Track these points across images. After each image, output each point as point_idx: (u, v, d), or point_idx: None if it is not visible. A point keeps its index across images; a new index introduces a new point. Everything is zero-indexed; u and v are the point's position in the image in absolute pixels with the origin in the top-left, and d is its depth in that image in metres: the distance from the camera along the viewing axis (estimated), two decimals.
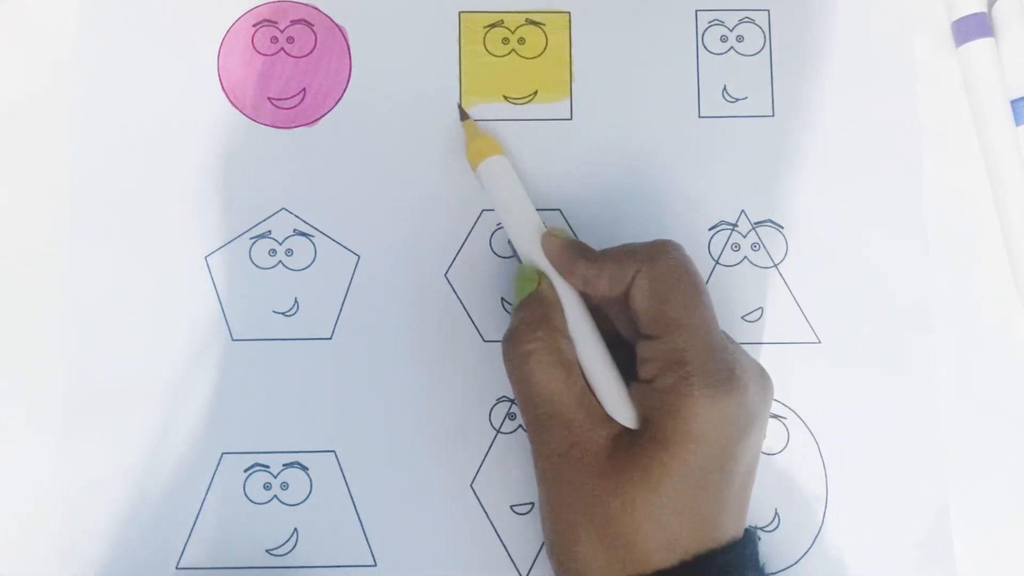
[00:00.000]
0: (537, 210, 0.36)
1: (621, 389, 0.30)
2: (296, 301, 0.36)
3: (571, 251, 0.31)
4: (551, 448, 0.30)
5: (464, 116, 0.36)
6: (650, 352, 0.29)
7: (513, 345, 0.31)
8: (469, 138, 0.35)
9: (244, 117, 0.37)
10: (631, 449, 0.29)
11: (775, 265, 0.36)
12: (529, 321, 0.31)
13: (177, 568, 0.34)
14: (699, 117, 0.37)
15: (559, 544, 0.30)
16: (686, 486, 0.28)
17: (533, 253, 0.32)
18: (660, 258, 0.30)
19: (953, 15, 0.37)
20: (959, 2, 0.37)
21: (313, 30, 0.37)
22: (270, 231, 0.36)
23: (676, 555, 0.28)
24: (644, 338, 0.30)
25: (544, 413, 0.30)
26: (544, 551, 0.35)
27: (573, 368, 0.30)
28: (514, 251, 0.35)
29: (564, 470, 0.30)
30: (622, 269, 0.30)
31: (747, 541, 0.30)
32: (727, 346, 0.30)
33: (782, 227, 0.37)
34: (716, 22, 0.37)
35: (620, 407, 0.30)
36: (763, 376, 0.31)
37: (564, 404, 0.30)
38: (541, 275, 0.32)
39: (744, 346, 0.36)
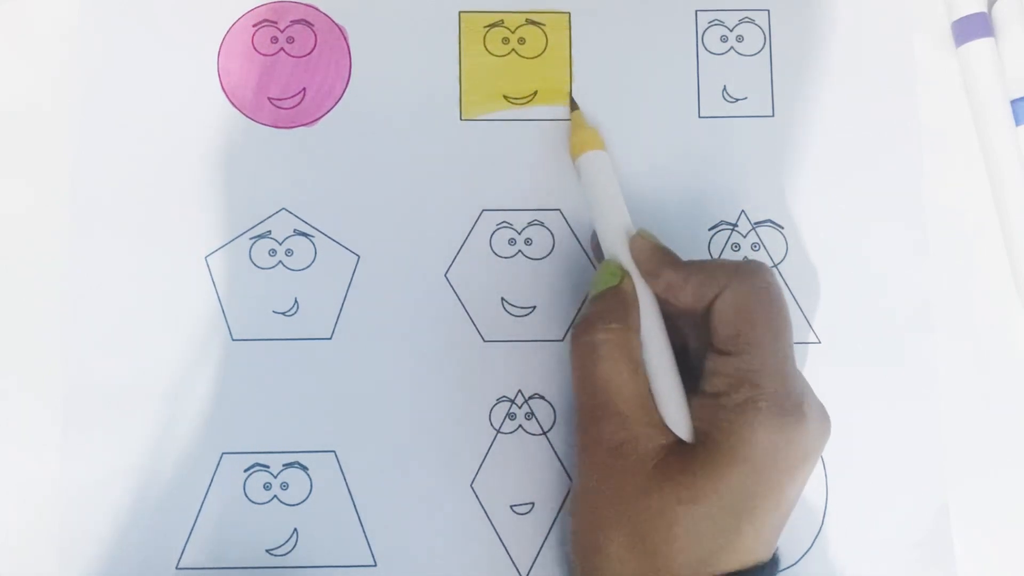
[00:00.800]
0: (537, 210, 0.36)
1: (682, 401, 0.30)
2: (296, 301, 0.36)
3: (659, 255, 0.31)
4: (601, 441, 0.30)
5: (574, 106, 0.36)
6: (722, 367, 0.29)
7: (584, 333, 0.31)
8: (574, 128, 0.35)
9: (244, 117, 0.37)
10: (683, 460, 0.29)
11: (775, 265, 0.36)
12: (605, 313, 0.31)
13: (177, 568, 0.34)
14: (699, 117, 0.37)
15: (588, 539, 0.30)
16: (731, 507, 0.28)
17: (619, 251, 0.32)
18: (751, 277, 0.30)
19: (953, 15, 0.37)
20: (959, 2, 0.37)
21: (313, 30, 0.37)
22: (270, 231, 0.36)
23: (703, 572, 0.28)
24: (718, 353, 0.30)
25: (601, 405, 0.30)
26: (543, 551, 0.35)
27: (639, 368, 0.30)
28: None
29: (609, 466, 0.30)
30: (711, 281, 0.30)
31: (772, 564, 0.30)
32: (799, 378, 0.30)
33: (782, 227, 0.37)
34: (716, 22, 0.37)
35: (679, 418, 0.30)
36: (824, 415, 0.30)
37: (624, 400, 0.30)
38: (625, 273, 0.32)
39: None
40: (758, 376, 0.29)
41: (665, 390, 0.30)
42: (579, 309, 0.36)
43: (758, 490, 0.28)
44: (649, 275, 0.31)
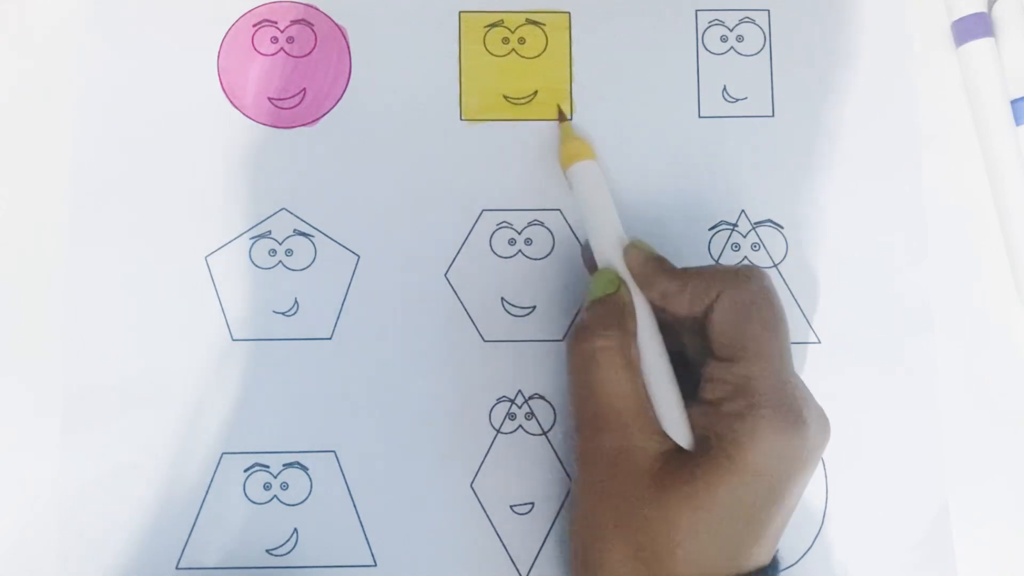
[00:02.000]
0: (537, 210, 0.36)
1: (681, 408, 0.30)
2: (296, 301, 0.36)
3: (654, 264, 0.32)
4: (600, 449, 0.30)
5: (563, 118, 0.36)
6: (720, 374, 0.29)
7: (582, 340, 0.31)
8: (563, 139, 0.35)
9: (244, 117, 0.37)
10: (682, 468, 0.29)
11: (775, 265, 0.36)
12: (602, 320, 0.31)
13: (177, 568, 0.34)
14: (699, 117, 0.37)
15: (589, 547, 0.30)
16: (732, 513, 0.28)
17: (613, 260, 0.32)
18: (746, 283, 0.30)
19: (953, 15, 0.37)
20: (959, 2, 0.37)
21: (313, 30, 0.37)
22: (270, 231, 0.36)
23: (711, 573, 0.28)
24: (716, 360, 0.30)
25: (600, 413, 0.30)
26: (543, 551, 0.35)
27: (637, 376, 0.30)
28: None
29: (608, 474, 0.29)
30: (706, 288, 0.30)
31: (772, 567, 0.30)
32: (797, 382, 0.30)
33: (782, 227, 0.37)
34: (716, 22, 0.37)
35: (678, 426, 0.30)
36: (824, 419, 0.30)
37: (623, 407, 0.30)
38: (621, 281, 0.32)
39: None
40: (756, 382, 0.29)
41: (663, 397, 0.30)
42: (575, 316, 0.36)
43: (759, 496, 0.28)
44: (644, 284, 0.31)
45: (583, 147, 0.35)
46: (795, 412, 0.28)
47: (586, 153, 0.34)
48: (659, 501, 0.28)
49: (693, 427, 0.30)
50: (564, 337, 0.36)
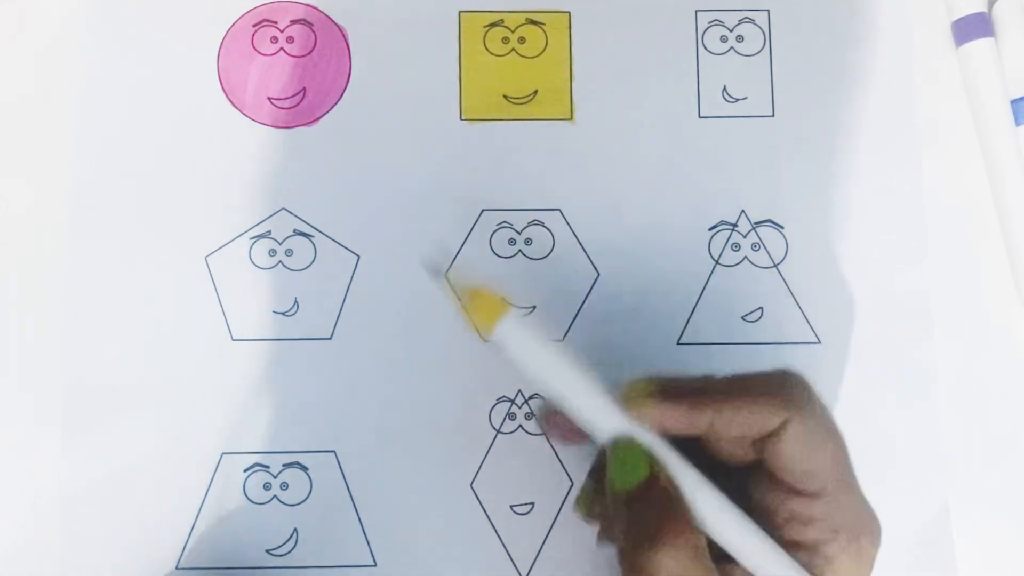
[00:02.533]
0: (537, 210, 0.36)
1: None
2: (296, 301, 0.36)
3: (684, 405, 0.26)
4: None
5: (437, 274, 0.30)
6: (807, 512, 0.26)
7: (641, 553, 0.25)
8: (469, 299, 0.28)
9: (244, 117, 0.37)
10: None
11: (775, 265, 0.36)
12: (653, 523, 0.25)
13: (177, 568, 0.34)
14: (699, 117, 0.37)
15: None
16: None
17: (608, 424, 0.26)
18: (809, 405, 0.26)
19: (953, 15, 0.37)
20: (959, 2, 0.37)
21: (313, 30, 0.37)
22: (270, 231, 0.36)
23: None
24: (793, 493, 0.26)
25: None
26: (543, 551, 0.35)
27: (712, 572, 0.25)
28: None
29: None
30: (766, 416, 0.26)
31: None
32: (862, 495, 0.27)
33: (782, 227, 0.37)
34: (716, 22, 0.37)
35: None
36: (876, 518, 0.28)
37: None
38: (651, 459, 0.26)
39: (744, 346, 0.36)
40: (851, 517, 0.26)
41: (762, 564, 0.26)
42: (573, 318, 0.36)
43: None
44: (686, 428, 0.26)
45: (496, 300, 0.27)
46: (875, 534, 0.27)
47: (502, 306, 0.27)
48: None
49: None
50: (564, 337, 0.36)
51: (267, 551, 0.35)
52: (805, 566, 0.26)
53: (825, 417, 0.27)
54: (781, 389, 0.26)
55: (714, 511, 0.26)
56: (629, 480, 0.25)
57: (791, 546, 0.27)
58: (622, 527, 0.26)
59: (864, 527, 0.27)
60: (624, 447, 0.26)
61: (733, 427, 0.26)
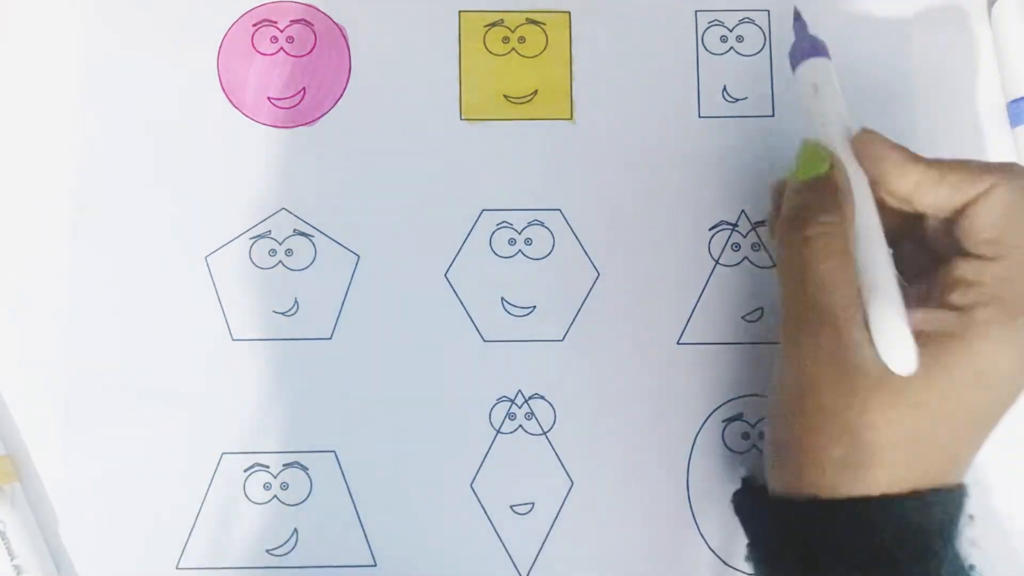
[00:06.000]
0: (537, 210, 0.36)
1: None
2: (296, 301, 0.36)
3: (903, 151, 0.28)
4: (820, 345, 0.27)
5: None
6: (976, 275, 0.27)
7: (795, 228, 0.28)
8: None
9: (244, 117, 0.37)
10: (915, 378, 0.27)
11: (775, 265, 0.36)
12: (817, 204, 0.28)
13: (177, 568, 0.34)
14: (699, 117, 0.37)
15: (801, 445, 0.28)
16: (960, 426, 0.27)
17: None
18: (1021, 179, 0.27)
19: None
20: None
21: (313, 30, 0.37)
22: (270, 231, 0.36)
23: (908, 484, 0.27)
24: (972, 258, 0.27)
25: (816, 308, 0.27)
26: (543, 551, 0.35)
27: (853, 268, 0.28)
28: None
29: (829, 372, 0.27)
30: (975, 178, 0.27)
31: (965, 489, 0.28)
32: None
33: None
34: (716, 22, 0.37)
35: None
36: None
37: (841, 301, 0.27)
38: (832, 155, 0.29)
39: (744, 346, 0.36)
40: (1015, 286, 0.27)
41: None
42: (574, 317, 0.36)
43: (989, 408, 0.27)
44: (895, 173, 0.28)
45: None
46: None
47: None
48: (888, 406, 0.27)
49: (926, 334, 0.27)
50: (564, 337, 0.36)
51: (267, 551, 0.35)
52: (953, 329, 0.27)
53: None
54: (994, 165, 0.28)
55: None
56: (809, 171, 0.29)
57: (947, 306, 0.27)
58: (789, 210, 0.29)
59: None
60: (814, 145, 0.29)
61: (942, 187, 0.28)
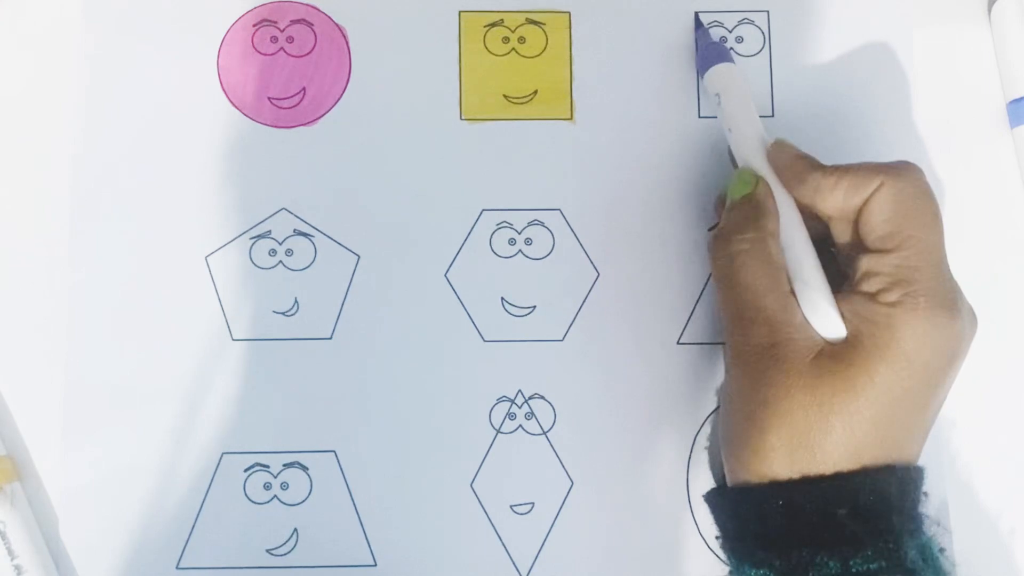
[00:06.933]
0: (537, 210, 0.36)
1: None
2: (296, 301, 0.36)
3: (803, 161, 0.32)
4: (750, 346, 0.30)
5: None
6: (878, 266, 0.30)
7: (723, 243, 0.31)
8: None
9: (244, 117, 0.37)
10: (836, 357, 0.29)
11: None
12: (741, 221, 0.31)
13: (177, 568, 0.34)
14: (699, 117, 0.37)
15: (742, 438, 0.30)
16: (887, 402, 0.29)
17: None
18: (906, 175, 0.30)
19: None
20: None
21: (313, 30, 0.37)
22: (270, 231, 0.36)
23: (859, 463, 0.29)
24: (872, 252, 0.30)
25: (746, 312, 0.30)
26: (543, 551, 0.35)
27: (781, 273, 0.31)
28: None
29: (763, 369, 0.30)
30: (865, 180, 0.30)
31: (921, 469, 0.30)
32: (950, 276, 0.30)
33: None
34: (715, 23, 0.37)
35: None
36: (973, 315, 0.31)
37: (769, 306, 0.30)
38: (759, 179, 0.32)
39: None
40: (916, 272, 0.29)
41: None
42: (575, 317, 0.36)
43: (912, 385, 0.29)
44: (794, 180, 0.32)
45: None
46: (950, 302, 0.29)
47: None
48: (813, 387, 0.29)
49: (845, 319, 0.30)
50: (564, 336, 0.36)
51: (267, 551, 0.35)
52: (866, 311, 0.29)
53: (922, 196, 0.30)
54: (879, 166, 0.31)
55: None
56: (737, 193, 0.32)
57: (857, 294, 0.30)
58: (718, 230, 0.32)
59: (942, 299, 0.29)
60: (743, 171, 0.33)
61: (838, 191, 0.30)
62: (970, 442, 0.36)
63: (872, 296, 0.29)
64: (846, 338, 0.30)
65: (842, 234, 0.32)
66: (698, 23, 0.36)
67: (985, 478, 0.36)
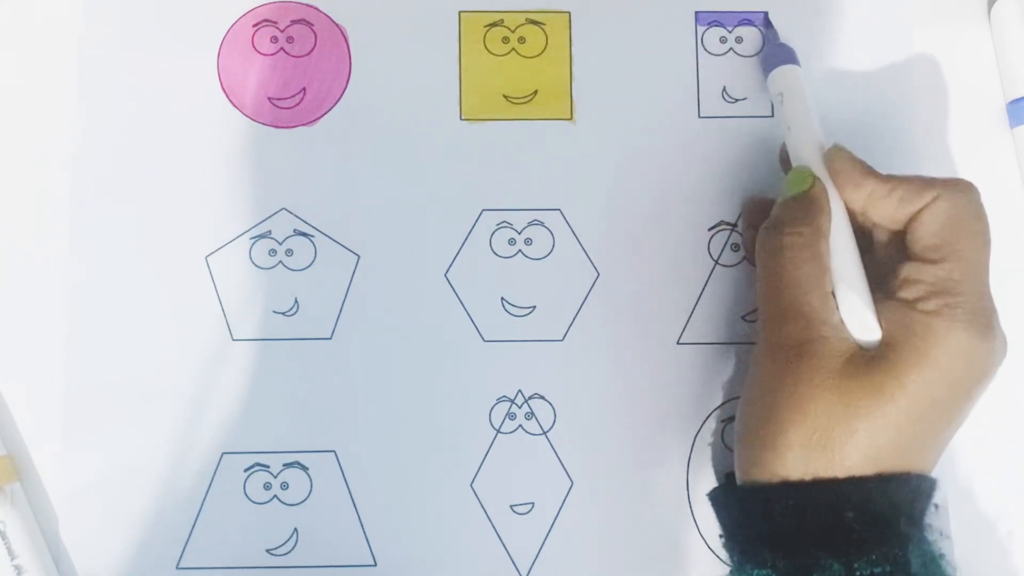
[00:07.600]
0: (537, 210, 0.36)
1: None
2: (296, 301, 0.36)
3: (861, 166, 0.32)
4: (785, 341, 0.30)
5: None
6: (921, 275, 0.30)
7: (774, 235, 0.31)
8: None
9: (244, 117, 0.37)
10: (870, 362, 0.29)
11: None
12: (794, 216, 0.31)
13: (177, 568, 0.34)
14: (699, 117, 0.37)
15: (759, 433, 0.30)
16: (913, 410, 0.29)
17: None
18: (964, 192, 0.31)
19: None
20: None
21: (313, 30, 0.37)
22: (270, 231, 0.36)
23: (876, 468, 0.29)
24: (919, 261, 0.30)
25: (786, 307, 0.30)
26: (543, 551, 0.35)
27: (826, 272, 0.31)
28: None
29: (792, 365, 0.30)
30: (920, 192, 0.30)
31: (934, 480, 0.30)
32: (991, 295, 0.30)
33: None
34: (715, 23, 0.37)
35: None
36: (1005, 339, 0.30)
37: (810, 300, 0.30)
38: (816, 178, 0.32)
39: (744, 346, 0.36)
40: (958, 286, 0.29)
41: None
42: (575, 316, 0.36)
43: (940, 396, 0.29)
44: (849, 185, 0.32)
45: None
46: (987, 321, 0.29)
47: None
48: (841, 388, 0.29)
49: (883, 324, 0.30)
50: (564, 337, 0.36)
51: (267, 551, 0.35)
52: (903, 318, 0.29)
53: (974, 213, 0.30)
54: (937, 179, 0.31)
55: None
56: (794, 189, 0.32)
57: (896, 301, 0.30)
58: (769, 220, 0.32)
59: (981, 317, 0.29)
60: (801, 169, 0.33)
61: (891, 199, 0.31)
62: (969, 444, 0.36)
63: (911, 303, 0.29)
64: (880, 343, 0.30)
65: (885, 242, 0.32)
66: (767, 23, 0.36)
67: (984, 480, 0.36)
